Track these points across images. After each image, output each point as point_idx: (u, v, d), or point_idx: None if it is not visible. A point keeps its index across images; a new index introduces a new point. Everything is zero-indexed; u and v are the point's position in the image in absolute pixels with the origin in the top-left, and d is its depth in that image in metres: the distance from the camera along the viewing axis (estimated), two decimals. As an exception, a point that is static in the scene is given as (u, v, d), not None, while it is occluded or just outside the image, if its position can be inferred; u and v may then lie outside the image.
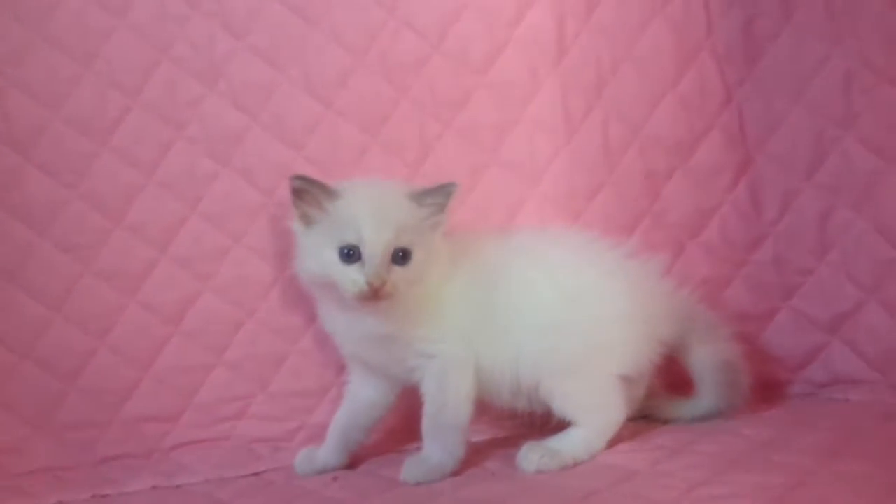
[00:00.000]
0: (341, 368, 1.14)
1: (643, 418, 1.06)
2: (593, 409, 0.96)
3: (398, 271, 0.91)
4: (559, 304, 0.97)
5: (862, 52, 1.02)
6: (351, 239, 0.91)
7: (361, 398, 1.05)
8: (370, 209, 0.92)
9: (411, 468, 0.95)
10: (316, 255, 0.94)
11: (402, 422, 1.12)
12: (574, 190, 1.15)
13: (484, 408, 1.02)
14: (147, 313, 1.12)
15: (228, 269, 1.13)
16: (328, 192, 0.94)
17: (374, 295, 0.90)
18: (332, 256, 0.92)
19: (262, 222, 1.13)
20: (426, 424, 0.96)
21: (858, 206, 1.06)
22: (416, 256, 0.93)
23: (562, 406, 0.96)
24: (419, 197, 0.95)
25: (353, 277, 0.90)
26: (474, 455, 0.99)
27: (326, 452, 1.05)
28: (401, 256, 0.92)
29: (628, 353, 0.98)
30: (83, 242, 1.10)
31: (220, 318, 1.13)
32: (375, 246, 0.90)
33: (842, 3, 1.04)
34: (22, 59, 1.07)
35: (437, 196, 0.95)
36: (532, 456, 0.91)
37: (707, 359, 1.03)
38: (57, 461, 1.10)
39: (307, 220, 0.96)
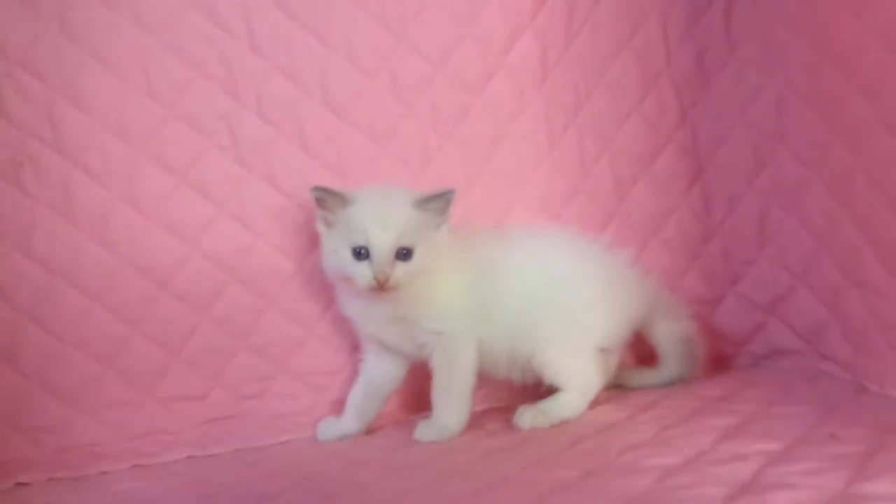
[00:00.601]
0: (353, 351, 1.27)
1: (616, 387, 1.23)
2: (577, 376, 1.11)
3: (401, 267, 1.05)
4: (549, 287, 1.12)
5: (790, 81, 1.18)
6: (360, 240, 1.05)
7: (376, 373, 1.19)
8: (376, 215, 1.06)
9: (424, 429, 1.09)
10: (335, 253, 1.09)
11: (410, 395, 1.27)
12: (555, 194, 1.30)
13: (484, 380, 1.16)
14: (179, 302, 1.23)
15: (253, 264, 1.25)
16: (342, 200, 1.09)
17: (381, 287, 1.04)
18: (347, 254, 1.06)
19: (283, 222, 1.25)
20: (436, 393, 1.11)
21: (789, 207, 1.22)
22: (418, 253, 1.06)
23: (551, 374, 1.11)
24: (421, 203, 1.08)
25: (363, 273, 1.05)
26: (477, 420, 1.14)
27: (346, 420, 1.19)
28: (404, 254, 1.06)
29: (606, 329, 1.14)
30: (122, 238, 1.20)
31: (245, 307, 1.25)
32: (380, 246, 1.04)
33: (774, 42, 1.21)
34: (72, 74, 1.17)
35: (438, 202, 1.09)
36: (526, 415, 1.07)
37: (669, 334, 1.20)
38: (96, 438, 1.18)
39: (328, 224, 1.11)
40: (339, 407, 1.26)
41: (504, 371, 1.15)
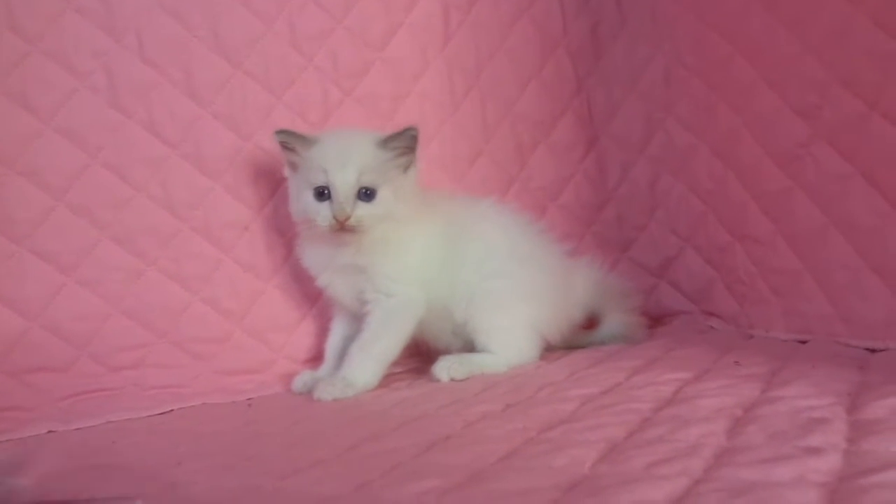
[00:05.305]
0: (243, 316, 1.19)
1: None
2: (510, 345, 1.08)
3: (363, 207, 1.01)
4: (509, 257, 1.09)
5: (677, 53, 1.24)
6: (321, 181, 1.01)
7: (350, 322, 1.12)
8: (336, 154, 1.02)
9: (326, 387, 1.01)
10: (298, 196, 1.05)
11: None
12: (458, 155, 1.29)
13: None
14: (39, 261, 1.09)
15: (129, 218, 1.13)
16: (304, 142, 1.04)
17: (341, 227, 1.00)
18: (309, 196, 1.03)
19: (165, 172, 1.15)
20: (354, 348, 1.04)
21: (677, 173, 1.28)
22: (382, 195, 1.02)
23: (485, 339, 1.07)
24: (384, 142, 1.04)
25: (323, 213, 1.01)
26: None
27: (326, 371, 1.11)
28: (366, 194, 1.01)
29: (549, 317, 1.12)
30: (-30, 187, 1.06)
31: (119, 266, 1.13)
32: (340, 185, 1.00)
33: (662, 16, 1.27)
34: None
35: (401, 140, 1.04)
36: (444, 364, 1.03)
37: (614, 326, 1.20)
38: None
39: (293, 167, 1.06)
40: (226, 379, 1.16)
41: (448, 339, 1.11)
